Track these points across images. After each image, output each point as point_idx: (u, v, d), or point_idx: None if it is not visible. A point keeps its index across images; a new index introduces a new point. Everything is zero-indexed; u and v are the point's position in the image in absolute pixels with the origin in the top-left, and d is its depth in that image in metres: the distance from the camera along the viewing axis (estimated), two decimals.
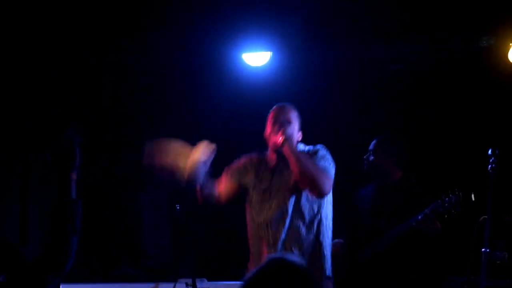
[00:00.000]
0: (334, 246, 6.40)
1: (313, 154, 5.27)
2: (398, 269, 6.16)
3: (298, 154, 5.16)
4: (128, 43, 7.30)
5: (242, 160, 5.54)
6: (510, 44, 7.01)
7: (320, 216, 5.26)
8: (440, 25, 7.03)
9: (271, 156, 5.40)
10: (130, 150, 7.57)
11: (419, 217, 6.00)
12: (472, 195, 6.00)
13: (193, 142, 7.56)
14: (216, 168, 5.45)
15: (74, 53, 7.36)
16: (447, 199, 5.95)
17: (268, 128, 5.36)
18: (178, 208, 5.34)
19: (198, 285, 5.57)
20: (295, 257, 2.77)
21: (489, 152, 5.45)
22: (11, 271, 3.39)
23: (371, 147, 6.42)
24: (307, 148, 5.38)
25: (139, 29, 7.11)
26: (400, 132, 7.24)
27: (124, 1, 6.90)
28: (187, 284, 5.64)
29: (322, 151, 5.31)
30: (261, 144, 5.50)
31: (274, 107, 5.47)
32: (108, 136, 7.84)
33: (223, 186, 5.44)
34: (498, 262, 5.80)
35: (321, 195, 5.18)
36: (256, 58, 7.32)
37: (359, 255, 6.29)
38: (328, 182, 5.16)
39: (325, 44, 7.39)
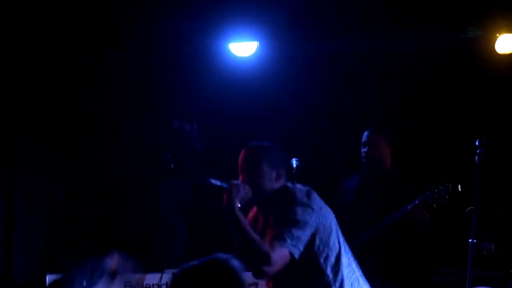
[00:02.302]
0: None
1: (282, 212, 4.28)
2: (384, 264, 6.16)
3: (238, 223, 4.21)
4: (113, 36, 7.27)
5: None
6: (497, 34, 7.01)
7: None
8: (427, 17, 7.02)
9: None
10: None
11: (408, 207, 6.00)
12: (459, 186, 6.00)
13: (180, 131, 7.59)
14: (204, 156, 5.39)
15: (61, 51, 7.35)
16: (436, 190, 5.97)
17: None
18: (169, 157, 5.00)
19: None
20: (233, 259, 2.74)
21: (476, 142, 5.44)
22: None
23: (367, 139, 6.37)
24: (286, 195, 4.37)
25: (125, 21, 7.08)
26: (387, 123, 7.25)
27: None
28: (174, 274, 5.63)
29: (293, 209, 4.25)
30: (247, 133, 5.46)
31: (244, 149, 4.57)
32: (85, 129, 7.82)
33: None
34: (484, 252, 5.82)
35: (257, 275, 4.27)
36: (243, 48, 7.30)
37: None
38: (272, 256, 4.10)
39: (312, 34, 7.37)
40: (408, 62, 7.58)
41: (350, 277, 4.44)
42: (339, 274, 4.37)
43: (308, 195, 4.33)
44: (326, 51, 7.66)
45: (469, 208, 5.54)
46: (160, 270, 5.98)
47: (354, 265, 4.50)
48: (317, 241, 4.28)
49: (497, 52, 7.04)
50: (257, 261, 4.12)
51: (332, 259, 4.35)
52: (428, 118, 7.61)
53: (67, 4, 6.82)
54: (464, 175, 5.93)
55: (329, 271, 4.33)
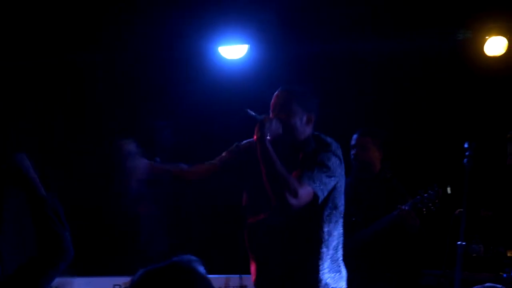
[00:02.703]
0: None
1: (313, 154, 4.41)
2: (374, 266, 6.16)
3: (267, 154, 4.29)
4: (104, 38, 7.27)
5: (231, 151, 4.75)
6: (486, 37, 7.03)
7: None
8: (416, 20, 7.04)
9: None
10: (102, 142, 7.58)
11: (397, 212, 6.00)
12: (448, 188, 6.01)
13: (170, 134, 7.60)
14: (189, 160, 5.39)
15: (52, 52, 7.35)
16: (426, 195, 5.96)
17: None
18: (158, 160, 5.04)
19: None
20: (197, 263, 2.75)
21: (465, 145, 5.45)
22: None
23: (356, 142, 6.37)
24: (317, 140, 4.52)
25: (115, 23, 7.08)
26: (376, 125, 7.26)
27: None
28: (135, 275, 5.62)
29: (326, 154, 4.39)
30: (238, 135, 5.46)
31: (276, 92, 4.72)
32: (77, 131, 7.83)
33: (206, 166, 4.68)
34: (474, 255, 5.83)
35: (283, 206, 4.28)
36: (233, 51, 7.30)
37: None
38: (298, 191, 4.20)
39: (302, 37, 7.38)
40: (398, 64, 7.59)
41: (340, 244, 4.59)
42: (334, 235, 4.49)
43: (339, 148, 4.49)
44: (316, 54, 7.66)
45: (458, 210, 5.55)
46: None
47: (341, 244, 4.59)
48: (333, 194, 4.41)
49: (486, 55, 7.06)
50: (284, 192, 4.17)
51: (333, 218, 4.47)
52: (417, 120, 7.63)
53: (57, 5, 6.82)
54: (453, 177, 5.93)
55: (325, 227, 4.42)
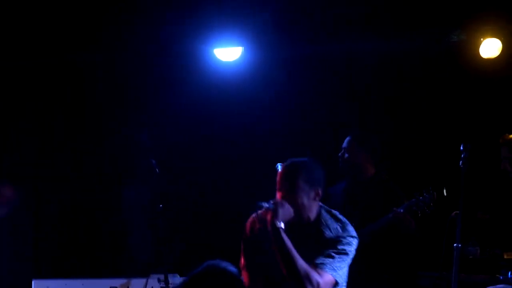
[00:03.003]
0: None
1: (335, 240, 4.43)
2: (370, 269, 6.16)
3: (284, 246, 4.29)
4: (98, 42, 7.26)
5: None
6: (482, 39, 7.04)
7: None
8: (412, 21, 7.04)
9: None
10: (106, 145, 7.59)
11: (392, 215, 6.00)
12: (444, 190, 6.01)
13: (165, 137, 7.59)
14: (186, 161, 5.39)
15: (48, 53, 7.34)
16: (421, 198, 5.97)
17: None
18: (161, 207, 5.20)
19: (170, 280, 5.55)
20: (229, 265, 2.77)
21: (461, 147, 5.45)
22: None
23: (345, 144, 6.40)
24: (333, 223, 4.51)
25: (111, 25, 7.07)
26: (372, 127, 7.26)
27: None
28: (159, 280, 5.62)
29: (346, 240, 4.44)
30: (232, 138, 5.45)
31: (281, 168, 4.60)
32: (84, 134, 7.82)
33: None
34: (470, 257, 5.82)
35: None
36: (228, 53, 7.30)
37: None
38: (320, 282, 4.29)
39: (296, 39, 7.38)
40: (393, 66, 7.59)
41: None
42: None
43: (344, 219, 4.53)
44: (311, 56, 7.66)
45: (454, 212, 5.54)
46: (145, 275, 5.97)
47: None
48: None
49: (481, 57, 7.07)
50: (307, 286, 4.25)
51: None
52: (412, 122, 7.62)
53: (55, 6, 6.81)
54: (449, 179, 5.93)
55: None
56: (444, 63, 7.46)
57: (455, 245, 5.35)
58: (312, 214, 4.48)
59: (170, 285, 5.50)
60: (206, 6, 6.84)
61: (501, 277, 5.66)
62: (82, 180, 7.78)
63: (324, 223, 4.46)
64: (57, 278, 6.45)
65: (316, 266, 4.30)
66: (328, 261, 4.32)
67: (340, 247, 4.38)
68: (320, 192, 4.49)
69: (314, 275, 4.25)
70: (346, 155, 6.36)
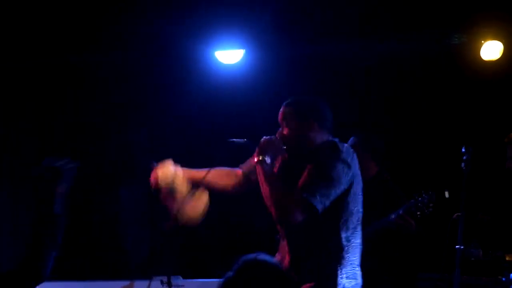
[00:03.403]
0: None
1: (318, 164, 4.34)
2: (371, 270, 6.15)
3: (261, 177, 4.38)
4: (99, 43, 7.26)
5: None
6: (482, 41, 7.04)
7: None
8: (412, 23, 7.04)
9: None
10: (106, 146, 7.59)
11: (393, 216, 6.00)
12: (446, 192, 6.01)
13: (166, 139, 7.59)
14: (186, 163, 5.40)
15: (48, 54, 7.34)
16: (420, 198, 5.96)
17: None
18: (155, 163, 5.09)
19: (173, 282, 5.55)
20: (267, 256, 2.76)
21: (463, 149, 5.45)
22: None
23: (348, 144, 6.41)
24: (326, 148, 4.42)
25: (111, 28, 7.07)
26: (373, 128, 7.26)
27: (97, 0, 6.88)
28: (162, 282, 5.61)
29: (331, 163, 4.31)
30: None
31: (282, 107, 4.64)
32: (84, 134, 7.82)
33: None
34: (472, 259, 5.82)
35: (280, 224, 4.42)
36: (229, 55, 7.31)
37: None
38: (295, 208, 4.23)
39: (297, 41, 7.39)
40: (394, 67, 7.60)
41: (359, 251, 4.52)
42: (352, 242, 4.44)
43: (353, 155, 4.40)
44: (312, 58, 7.67)
45: (456, 214, 5.54)
46: (148, 277, 5.96)
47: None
48: (345, 200, 4.35)
49: (482, 59, 7.07)
50: (281, 212, 4.24)
51: (350, 225, 4.40)
52: (414, 124, 7.63)
53: (53, 7, 6.82)
54: (451, 181, 5.94)
55: (343, 234, 4.38)
56: (445, 65, 7.46)
57: (457, 247, 5.35)
58: (315, 145, 4.46)
59: (173, 287, 5.50)
60: (207, 8, 6.85)
61: (503, 279, 5.67)
62: (81, 180, 7.77)
63: (325, 152, 4.39)
64: (58, 280, 6.44)
65: (300, 191, 4.23)
66: (307, 186, 4.24)
67: (322, 170, 4.28)
68: (325, 124, 4.49)
69: (290, 203, 4.21)
70: None
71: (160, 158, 5.37)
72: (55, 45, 7.19)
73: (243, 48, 7.27)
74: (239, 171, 4.77)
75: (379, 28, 7.10)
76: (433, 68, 7.53)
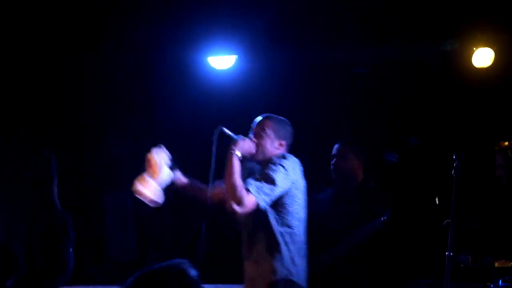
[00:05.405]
0: None
1: (265, 165, 5.33)
2: (359, 275, 6.17)
3: (230, 166, 5.21)
4: (91, 48, 7.27)
5: None
6: (474, 48, 7.06)
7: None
8: (404, 30, 7.06)
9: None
10: (94, 152, 7.56)
11: (380, 220, 6.01)
12: (436, 199, 6.02)
13: (158, 145, 7.58)
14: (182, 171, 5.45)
15: (38, 58, 7.35)
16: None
17: None
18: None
19: None
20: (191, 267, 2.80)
21: (453, 156, 5.46)
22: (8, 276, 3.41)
23: (336, 151, 6.41)
24: (277, 158, 5.36)
25: (103, 33, 7.08)
26: (364, 135, 7.27)
27: (88, 6, 6.87)
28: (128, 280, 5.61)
29: (273, 168, 5.26)
30: (226, 145, 5.50)
31: (257, 118, 5.62)
32: (72, 140, 7.81)
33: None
34: (461, 265, 5.83)
35: (235, 210, 5.19)
36: (222, 61, 7.32)
37: (318, 260, 6.26)
38: (244, 200, 5.13)
39: (290, 47, 7.40)
40: (385, 74, 7.60)
41: (300, 249, 5.39)
42: (289, 238, 5.32)
43: (295, 165, 5.35)
44: (304, 64, 7.68)
45: (446, 221, 5.55)
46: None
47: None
48: (282, 201, 5.27)
49: (474, 66, 7.09)
50: (234, 200, 5.13)
51: (286, 222, 5.32)
52: (404, 130, 7.64)
53: (46, 12, 6.83)
54: (441, 188, 5.94)
55: (279, 229, 5.29)
56: (436, 72, 7.47)
57: (447, 253, 5.36)
58: (270, 156, 5.38)
59: None
60: (200, 13, 6.86)
61: (492, 286, 5.68)
62: (69, 186, 7.77)
63: (274, 160, 5.32)
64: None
65: (248, 189, 5.15)
66: (254, 184, 5.17)
67: (266, 173, 5.22)
68: (284, 144, 5.48)
69: (241, 193, 5.11)
70: (340, 162, 6.36)
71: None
72: (47, 50, 7.21)
73: (235, 54, 7.29)
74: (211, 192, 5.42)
75: (370, 35, 7.12)
76: (425, 75, 7.54)
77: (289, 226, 5.32)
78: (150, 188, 5.25)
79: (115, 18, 6.95)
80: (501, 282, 5.67)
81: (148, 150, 5.49)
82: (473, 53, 7.07)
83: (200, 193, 5.55)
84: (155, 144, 5.53)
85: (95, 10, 6.86)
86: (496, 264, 5.76)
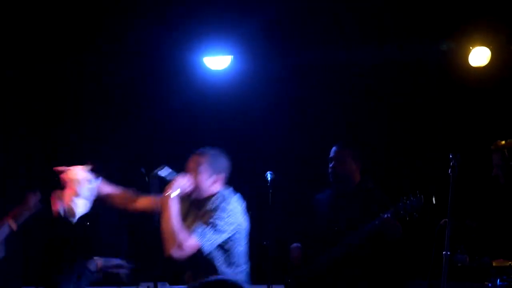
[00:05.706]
0: (292, 251, 6.40)
1: (210, 212, 5.13)
2: (358, 276, 6.15)
3: (166, 211, 5.05)
4: (88, 50, 7.26)
5: None
6: (471, 48, 7.06)
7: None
8: (401, 30, 7.06)
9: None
10: (90, 153, 7.56)
11: (380, 219, 6.00)
12: (433, 198, 6.01)
13: (154, 145, 7.57)
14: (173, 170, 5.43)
15: (38, 58, 7.35)
16: (408, 202, 5.97)
17: None
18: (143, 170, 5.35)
19: None
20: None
21: (450, 156, 5.45)
22: None
23: (334, 154, 6.39)
24: (218, 200, 5.21)
25: (100, 34, 7.07)
26: (361, 135, 7.26)
27: (85, 7, 6.86)
28: None
29: (220, 215, 5.12)
30: (222, 146, 5.49)
31: (193, 154, 5.39)
32: (67, 141, 7.80)
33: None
34: (459, 265, 5.82)
35: (173, 255, 5.04)
36: (217, 61, 7.31)
37: (316, 260, 6.25)
38: (184, 244, 4.98)
39: (285, 48, 7.39)
40: (382, 74, 7.60)
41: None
42: (232, 270, 5.16)
43: (237, 205, 5.20)
44: (300, 65, 7.67)
45: (443, 220, 5.54)
46: (134, 284, 5.96)
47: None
48: (228, 245, 5.13)
49: (470, 65, 7.09)
50: (173, 244, 4.96)
51: (232, 261, 5.19)
52: (401, 130, 7.63)
53: (43, 15, 6.83)
54: (438, 187, 5.93)
55: (228, 270, 5.13)
56: (433, 71, 7.47)
57: (444, 253, 5.34)
58: (207, 194, 5.23)
59: None
60: (196, 14, 6.85)
61: (489, 285, 5.67)
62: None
63: (214, 201, 5.16)
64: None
65: (191, 231, 5.01)
66: (199, 229, 5.01)
67: (213, 219, 5.05)
68: (220, 178, 5.27)
69: (182, 237, 4.97)
70: (338, 165, 6.35)
71: (148, 163, 5.39)
72: (39, 52, 7.20)
73: (231, 54, 7.28)
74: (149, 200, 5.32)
75: (367, 36, 7.11)
76: (422, 74, 7.54)
77: (237, 266, 5.23)
78: (69, 203, 5.19)
79: (112, 20, 6.94)
80: (499, 281, 5.65)
81: (146, 148, 5.48)
82: (469, 52, 7.07)
83: (125, 202, 5.49)
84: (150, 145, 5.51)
85: (94, 10, 6.85)
86: (494, 263, 5.75)
